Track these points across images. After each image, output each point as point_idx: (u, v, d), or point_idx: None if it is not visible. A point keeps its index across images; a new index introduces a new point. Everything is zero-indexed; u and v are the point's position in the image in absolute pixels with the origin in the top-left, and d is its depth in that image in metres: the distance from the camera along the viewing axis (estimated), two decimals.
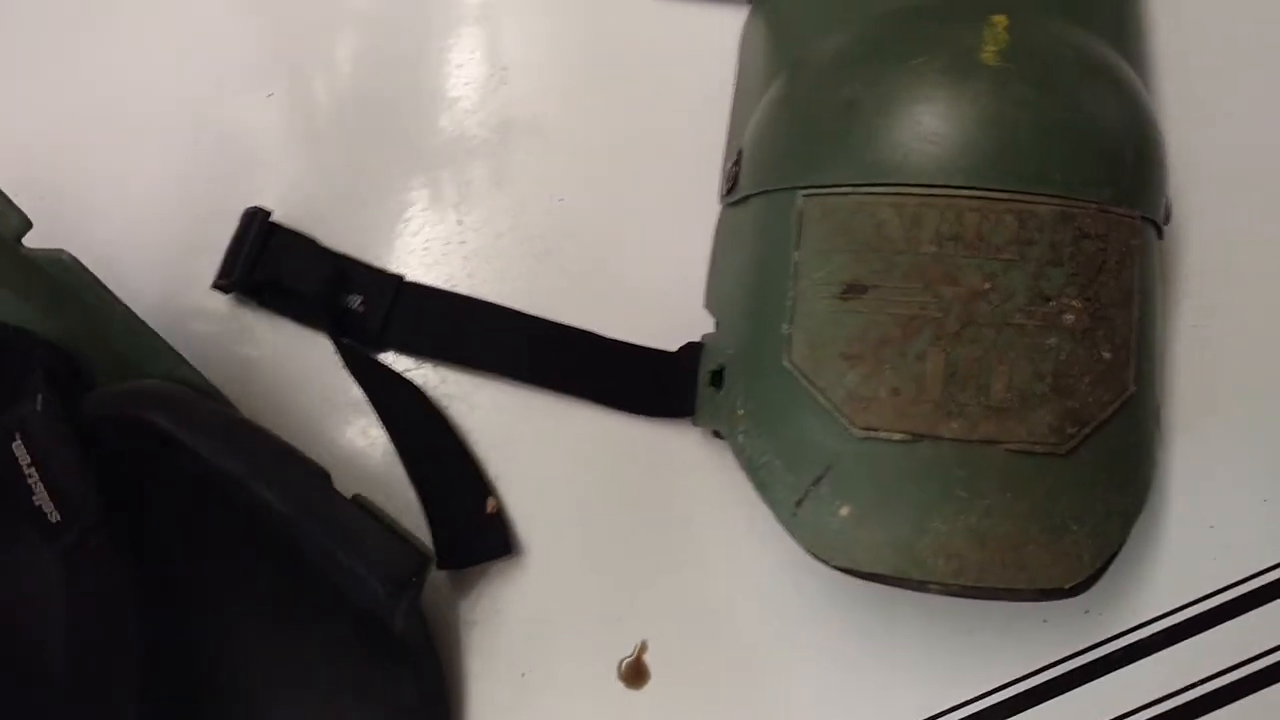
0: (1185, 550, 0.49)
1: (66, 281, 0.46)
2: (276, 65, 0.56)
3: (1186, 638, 0.48)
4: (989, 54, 0.41)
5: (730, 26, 0.53)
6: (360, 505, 0.43)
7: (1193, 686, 0.47)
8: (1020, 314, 0.40)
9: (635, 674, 0.49)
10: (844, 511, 0.42)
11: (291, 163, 0.55)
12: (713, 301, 0.49)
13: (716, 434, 0.50)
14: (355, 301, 0.51)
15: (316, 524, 0.41)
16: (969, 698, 0.48)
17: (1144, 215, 0.42)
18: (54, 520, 0.41)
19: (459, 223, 0.53)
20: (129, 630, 0.41)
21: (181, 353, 0.48)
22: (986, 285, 0.40)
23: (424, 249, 0.53)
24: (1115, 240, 0.41)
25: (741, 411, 0.45)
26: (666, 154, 0.53)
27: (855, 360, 0.41)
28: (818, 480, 0.42)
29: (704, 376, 0.48)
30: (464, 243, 0.53)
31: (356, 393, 0.51)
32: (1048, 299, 0.41)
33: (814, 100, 0.44)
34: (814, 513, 0.42)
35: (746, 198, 0.47)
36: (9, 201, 0.44)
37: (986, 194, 0.41)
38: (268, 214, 0.51)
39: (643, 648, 0.49)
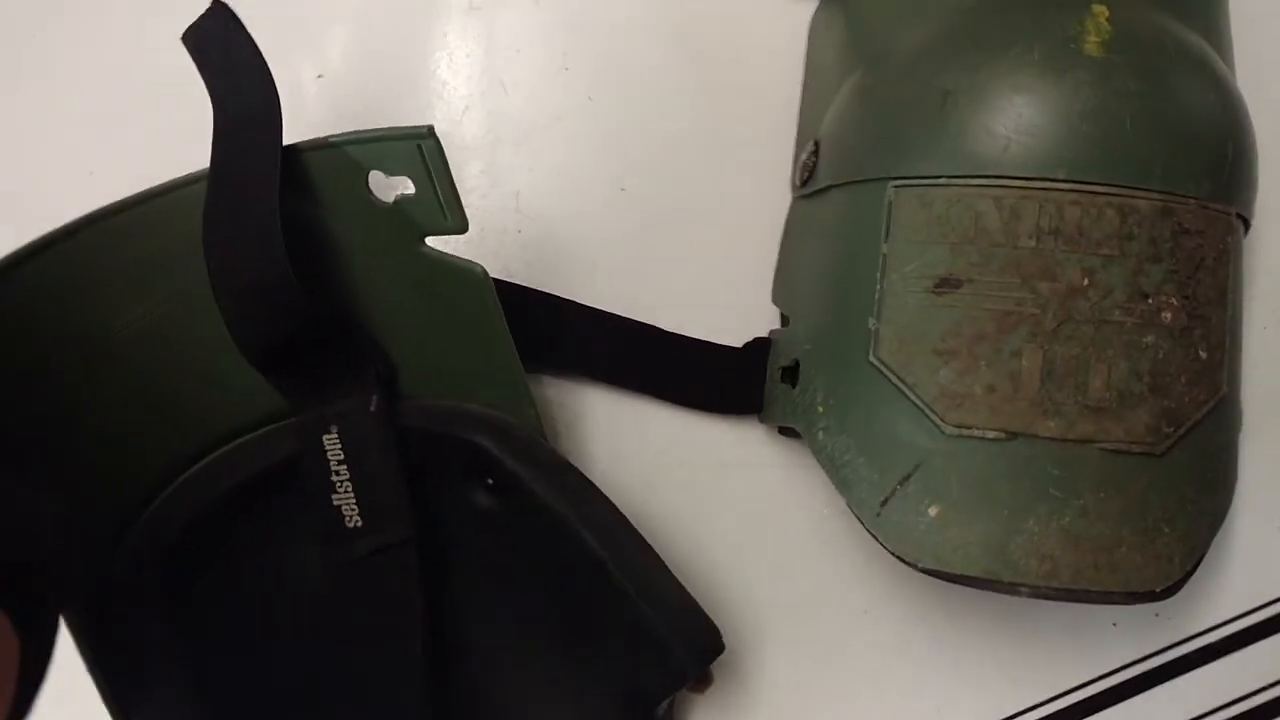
0: (1256, 552, 0.48)
1: (457, 291, 0.43)
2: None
3: (1258, 640, 0.48)
4: (1092, 44, 0.40)
5: (799, 14, 0.52)
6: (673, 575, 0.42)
7: (1264, 690, 0.47)
8: (1119, 311, 0.40)
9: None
10: (932, 511, 0.41)
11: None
12: (783, 296, 0.48)
13: (783, 431, 0.49)
14: None
15: (636, 583, 0.39)
16: (1036, 701, 0.47)
17: (1238, 213, 0.42)
18: (352, 525, 0.39)
19: (517, 211, 0.52)
20: (415, 655, 0.39)
21: None
22: (1085, 281, 0.40)
23: (480, 237, 0.52)
24: (1212, 237, 0.41)
25: (821, 408, 0.44)
26: (733, 143, 0.52)
27: (948, 356, 0.40)
28: (905, 479, 0.41)
29: (774, 373, 0.47)
30: (521, 231, 0.52)
31: None
32: (1146, 296, 0.40)
33: (905, 90, 0.42)
34: (900, 512, 0.41)
35: (826, 189, 0.45)
36: (459, 201, 0.41)
37: (1087, 188, 0.40)
38: None
39: None
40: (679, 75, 0.53)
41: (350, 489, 0.40)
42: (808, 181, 0.47)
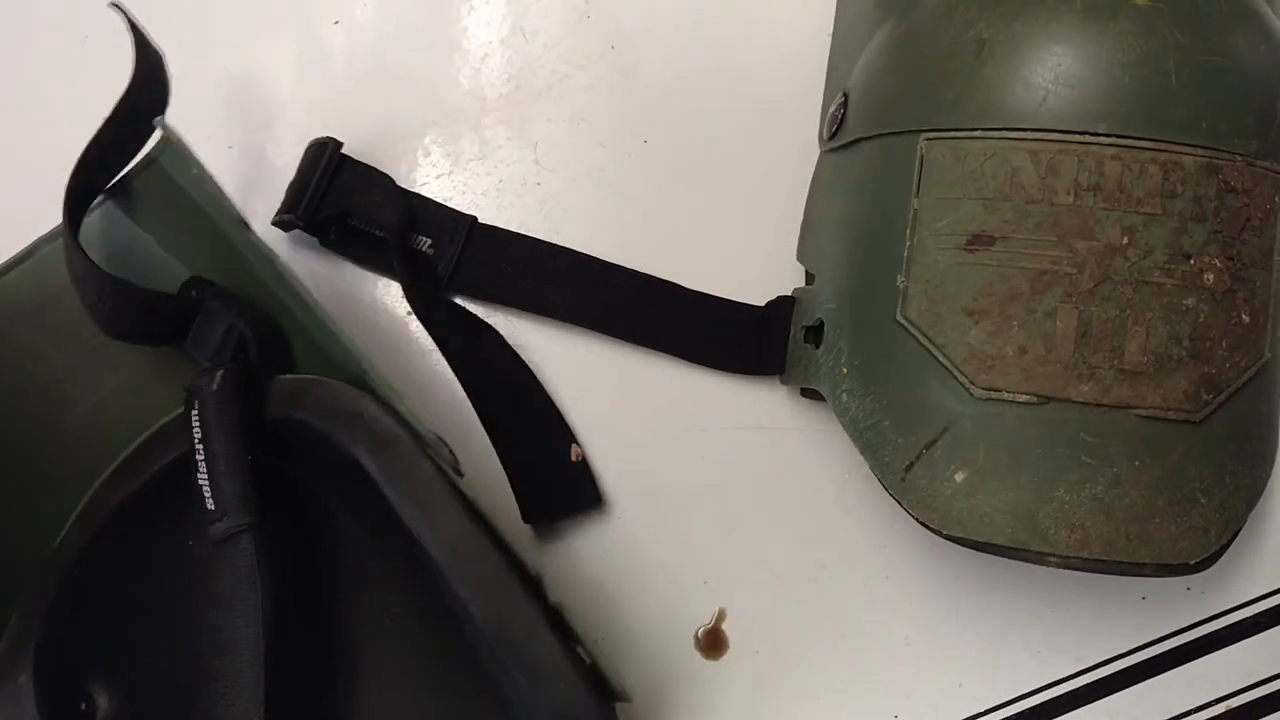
0: None
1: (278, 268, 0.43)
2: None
3: None
4: None
5: None
6: (562, 620, 0.39)
7: None
8: (1159, 272, 0.38)
9: (713, 643, 0.47)
10: (959, 477, 0.39)
11: (354, 96, 0.51)
12: (808, 252, 0.47)
13: (806, 393, 0.47)
14: (424, 243, 0.49)
15: (508, 647, 0.37)
16: (1061, 676, 0.46)
17: None
18: (210, 506, 0.38)
19: (536, 163, 0.50)
20: (253, 645, 0.38)
21: None
22: (1124, 240, 0.38)
23: (498, 190, 0.50)
24: (1259, 196, 0.39)
25: (846, 369, 0.42)
26: (758, 95, 0.50)
27: (979, 316, 0.39)
28: (932, 443, 0.40)
29: (797, 332, 0.46)
30: (540, 184, 0.50)
31: (425, 341, 0.48)
32: (1188, 256, 0.38)
33: (939, 39, 0.41)
34: (926, 478, 0.40)
35: (855, 141, 0.44)
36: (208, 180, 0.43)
37: (1130, 142, 0.38)
38: (339, 145, 0.48)
39: (721, 616, 0.47)
40: (704, 25, 0.51)
41: (205, 469, 0.39)
42: (836, 134, 0.45)
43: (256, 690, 0.38)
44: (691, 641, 0.47)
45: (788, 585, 0.47)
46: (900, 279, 0.40)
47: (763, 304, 0.48)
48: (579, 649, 0.38)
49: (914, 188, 0.40)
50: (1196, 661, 0.46)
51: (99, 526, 0.40)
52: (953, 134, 0.40)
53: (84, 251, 0.40)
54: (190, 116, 0.44)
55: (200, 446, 0.39)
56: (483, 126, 0.51)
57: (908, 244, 0.40)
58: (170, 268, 0.43)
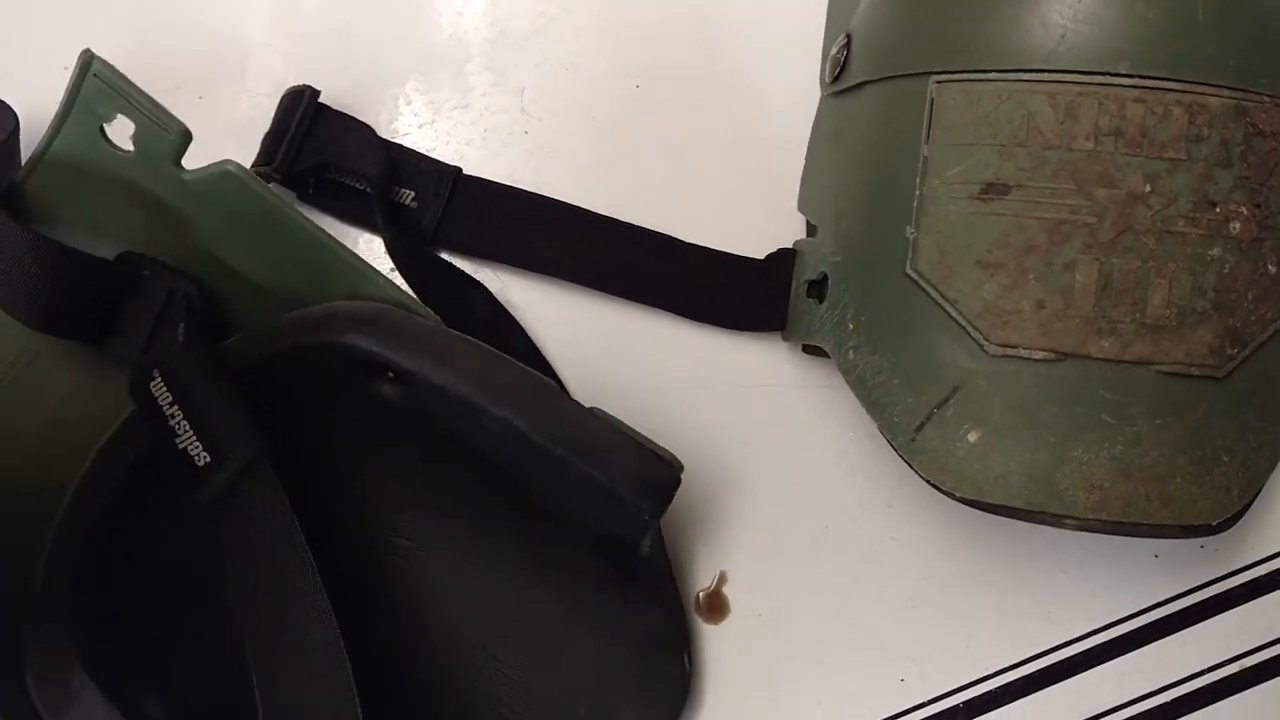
0: None
1: (231, 198, 0.41)
2: None
3: None
4: None
5: None
6: (601, 418, 0.39)
7: None
8: (1183, 221, 0.36)
9: (714, 607, 0.45)
10: (972, 437, 0.38)
11: (331, 42, 0.49)
12: (810, 202, 0.45)
13: (808, 349, 0.46)
14: (406, 196, 0.46)
15: (563, 442, 0.37)
16: (1072, 636, 0.45)
17: None
18: (201, 463, 0.36)
19: (523, 111, 0.48)
20: (310, 580, 0.36)
21: None
22: (1147, 188, 0.36)
23: (482, 139, 0.48)
24: None
25: (852, 325, 0.41)
26: (755, 36, 0.48)
27: (994, 269, 0.37)
28: (943, 402, 0.38)
29: (799, 286, 0.44)
30: (528, 133, 0.48)
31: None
32: (1214, 204, 0.36)
33: None
34: (937, 438, 0.38)
35: (859, 85, 0.42)
36: (164, 111, 0.40)
37: (1153, 83, 0.36)
38: (316, 93, 0.45)
39: (722, 579, 0.46)
40: None
41: (187, 426, 0.37)
42: (839, 77, 0.43)
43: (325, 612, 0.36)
44: (692, 605, 0.45)
45: (790, 547, 0.46)
46: (909, 230, 0.38)
47: (762, 257, 0.46)
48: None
49: (923, 134, 0.38)
50: (1211, 620, 0.44)
51: (88, 540, 0.38)
52: (964, 76, 0.38)
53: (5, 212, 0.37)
54: (157, 65, 0.41)
55: (176, 410, 0.37)
56: (466, 73, 0.49)
57: (917, 193, 0.38)
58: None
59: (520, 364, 0.39)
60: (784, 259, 0.45)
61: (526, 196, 0.47)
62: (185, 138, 0.40)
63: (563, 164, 0.48)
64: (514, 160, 0.48)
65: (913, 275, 0.38)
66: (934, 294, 0.38)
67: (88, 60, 0.40)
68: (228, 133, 0.48)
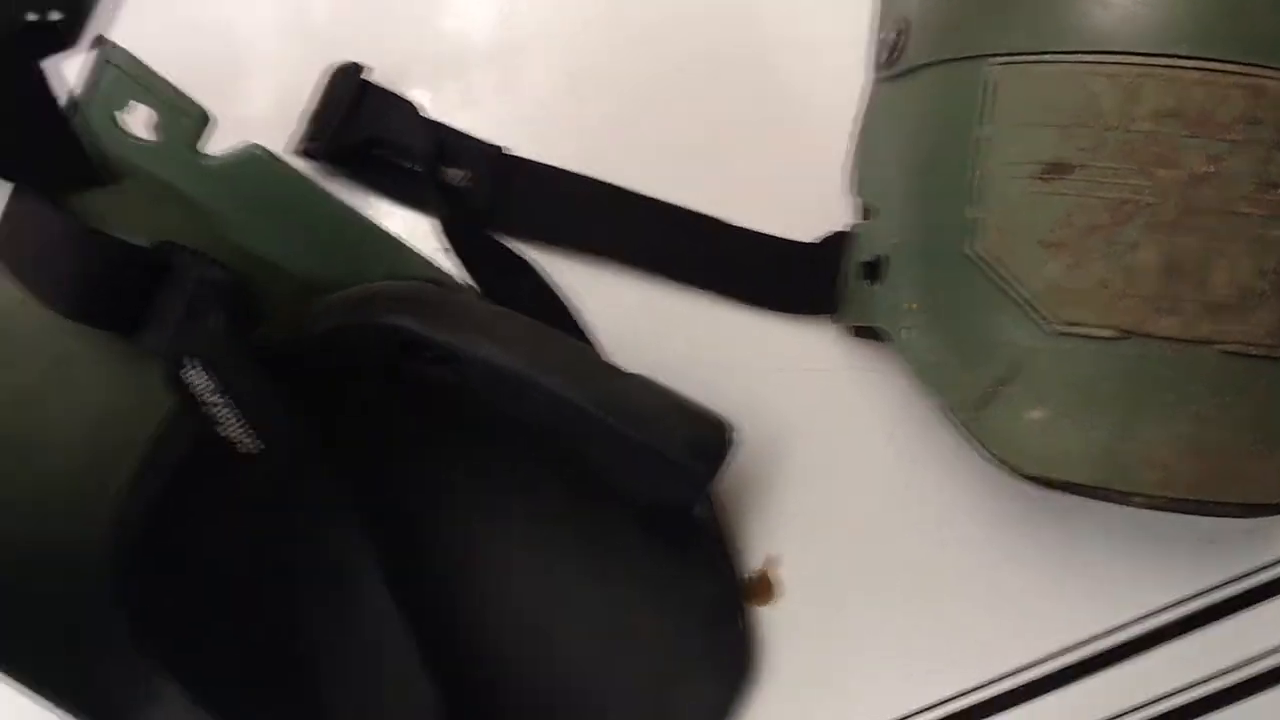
0: None
1: (258, 181, 0.41)
2: None
3: None
4: None
5: None
6: (650, 385, 0.39)
7: None
8: (1245, 202, 0.36)
9: (762, 590, 0.45)
10: (1035, 415, 0.38)
11: (384, 25, 0.49)
12: (863, 186, 0.45)
13: (858, 332, 0.46)
14: (458, 176, 0.46)
15: (614, 411, 0.37)
16: (1129, 619, 0.45)
17: None
18: (244, 450, 0.36)
19: (570, 92, 0.48)
20: (368, 563, 0.36)
21: None
22: (1209, 169, 0.36)
23: (528, 120, 0.48)
24: None
25: (910, 306, 0.41)
26: (803, 19, 0.48)
27: (1056, 248, 0.37)
28: (1005, 381, 0.38)
29: (853, 269, 0.44)
30: (574, 116, 0.48)
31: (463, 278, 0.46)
32: (1275, 185, 0.36)
33: None
34: (1000, 416, 0.38)
35: (915, 69, 0.42)
36: (184, 96, 0.40)
37: (1213, 65, 0.36)
38: (359, 69, 0.45)
39: (770, 562, 0.46)
40: None
41: (231, 414, 0.37)
42: (893, 62, 0.43)
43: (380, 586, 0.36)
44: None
45: (838, 530, 0.46)
46: (969, 211, 0.39)
47: (807, 240, 0.46)
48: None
49: (982, 115, 0.38)
50: (1266, 603, 0.45)
51: (146, 535, 0.38)
52: (1024, 58, 0.38)
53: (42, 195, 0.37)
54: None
55: (216, 397, 0.37)
56: (510, 53, 0.49)
57: (977, 174, 0.39)
58: None
59: (567, 336, 0.39)
60: (835, 242, 0.45)
61: (578, 179, 0.47)
62: (205, 122, 0.40)
63: (609, 146, 0.47)
64: (559, 141, 0.48)
65: (972, 256, 0.38)
66: (994, 274, 0.38)
67: (105, 48, 0.40)
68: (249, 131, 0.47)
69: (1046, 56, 0.38)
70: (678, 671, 0.42)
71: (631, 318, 0.47)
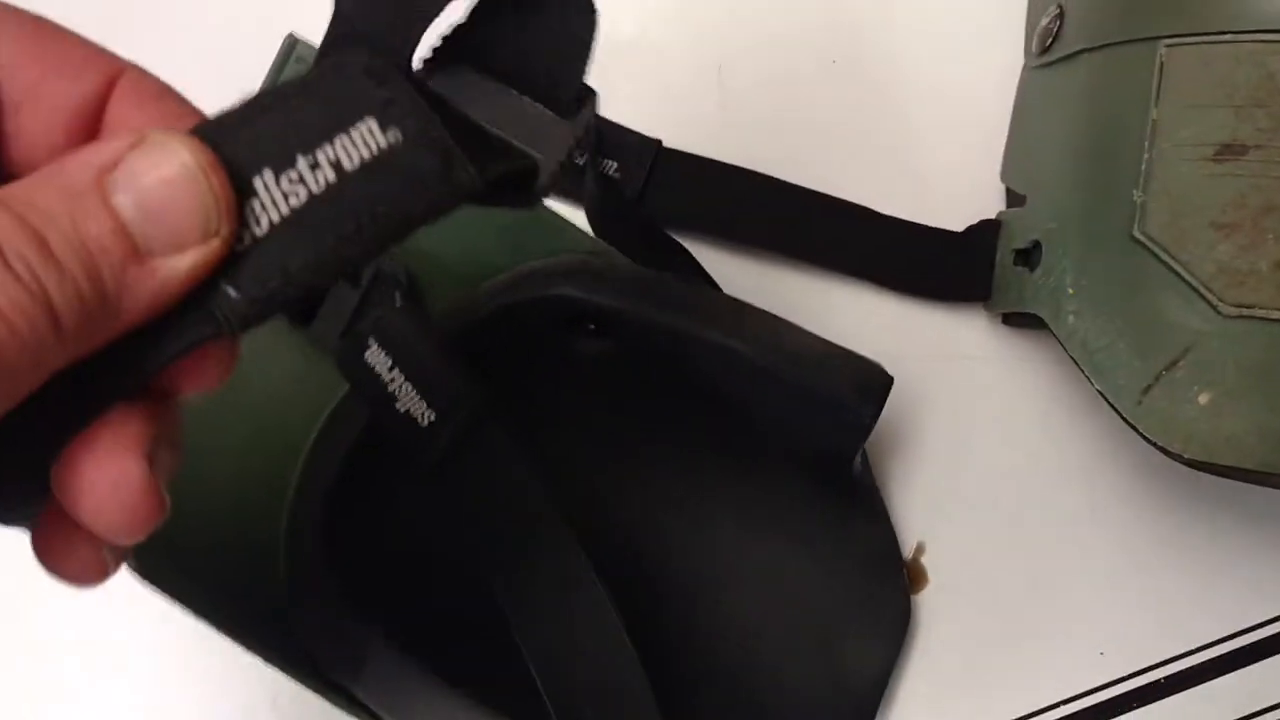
0: None
1: None
2: None
3: None
4: None
5: None
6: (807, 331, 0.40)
7: None
8: None
9: (913, 577, 0.45)
10: (1203, 399, 0.37)
11: None
12: (1018, 172, 0.45)
13: (1007, 318, 0.46)
14: (610, 167, 0.47)
15: (780, 357, 0.37)
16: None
17: None
18: (427, 422, 0.37)
19: (719, 86, 0.49)
20: (553, 514, 0.37)
21: None
22: None
23: (680, 114, 0.49)
24: None
25: (1072, 290, 0.41)
26: (950, 11, 0.48)
27: (1230, 230, 0.37)
28: (1172, 364, 0.38)
29: (1006, 256, 0.44)
30: (724, 108, 0.49)
31: None
32: None
33: None
34: (1166, 400, 0.38)
35: (1074, 55, 0.42)
36: None
37: None
38: None
39: (920, 549, 0.46)
40: None
41: (410, 389, 0.37)
42: (1049, 48, 0.43)
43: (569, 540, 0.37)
44: None
45: (988, 518, 0.46)
46: (1137, 194, 0.38)
47: (956, 230, 0.46)
48: None
49: (1153, 97, 0.38)
50: None
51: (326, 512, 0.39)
52: (1198, 39, 0.38)
53: None
54: None
55: (395, 373, 0.38)
56: (663, 46, 0.49)
57: (1145, 156, 0.38)
58: None
59: (721, 293, 0.39)
60: (986, 230, 0.45)
61: (726, 168, 0.47)
62: None
63: (759, 138, 0.48)
64: (711, 134, 0.48)
65: (1141, 238, 0.38)
66: (1164, 256, 0.38)
67: (291, 44, 0.41)
68: None
69: (1224, 37, 0.37)
70: (844, 626, 0.43)
71: (782, 306, 0.47)
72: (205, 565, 0.37)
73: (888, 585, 0.43)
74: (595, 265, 0.41)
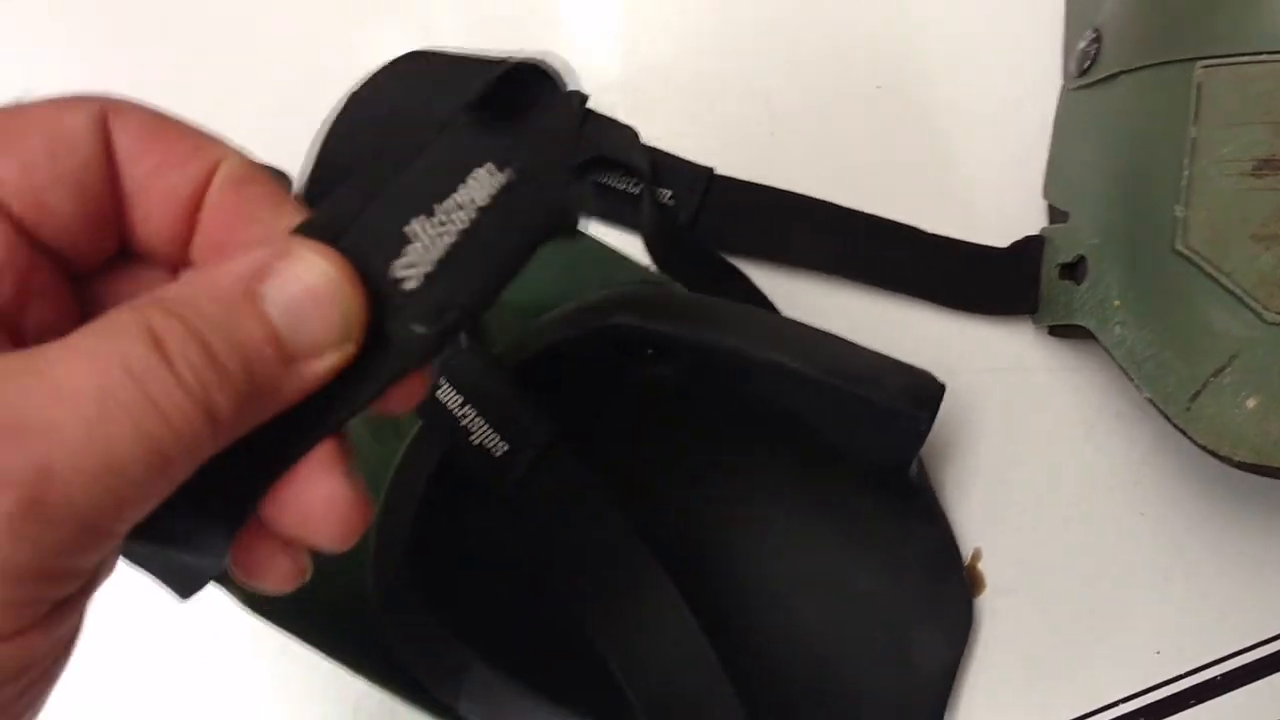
0: None
1: None
2: None
3: None
4: None
5: None
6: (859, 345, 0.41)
7: None
8: None
9: (971, 582, 0.47)
10: (1251, 403, 0.39)
11: (592, 39, 0.52)
12: (1060, 190, 0.47)
13: (1053, 331, 0.47)
14: (664, 195, 0.49)
15: (837, 373, 0.39)
16: None
17: None
18: (500, 454, 0.39)
19: (769, 114, 0.51)
20: (628, 533, 0.39)
21: None
22: None
23: (729, 139, 0.50)
24: None
25: (1118, 302, 0.42)
26: (992, 36, 0.50)
27: (1270, 241, 0.39)
28: (1219, 371, 0.39)
29: (1051, 270, 0.46)
30: (773, 134, 0.50)
31: None
32: None
33: None
34: (1214, 406, 0.40)
35: (1112, 76, 0.44)
36: None
37: None
38: (585, 98, 0.48)
39: (976, 555, 0.47)
40: None
41: (482, 423, 0.40)
42: (1088, 71, 0.45)
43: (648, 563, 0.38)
44: None
45: (1042, 524, 0.47)
46: (1179, 209, 0.40)
47: (997, 245, 0.48)
48: None
49: (1191, 116, 0.40)
50: None
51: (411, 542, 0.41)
52: (1234, 59, 0.39)
53: None
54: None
55: (467, 409, 0.40)
56: (713, 78, 0.51)
57: (1185, 173, 0.40)
58: None
59: (774, 313, 0.41)
60: (1031, 245, 0.47)
61: (777, 193, 0.49)
62: None
63: (808, 163, 0.50)
64: (760, 159, 0.50)
65: (1184, 251, 0.40)
66: (1207, 267, 0.39)
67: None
68: None
69: (1260, 57, 0.39)
70: (910, 623, 0.44)
71: (834, 324, 0.48)
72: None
73: (950, 582, 0.45)
74: (649, 293, 0.42)
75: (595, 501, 0.40)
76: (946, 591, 0.45)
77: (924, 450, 0.45)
